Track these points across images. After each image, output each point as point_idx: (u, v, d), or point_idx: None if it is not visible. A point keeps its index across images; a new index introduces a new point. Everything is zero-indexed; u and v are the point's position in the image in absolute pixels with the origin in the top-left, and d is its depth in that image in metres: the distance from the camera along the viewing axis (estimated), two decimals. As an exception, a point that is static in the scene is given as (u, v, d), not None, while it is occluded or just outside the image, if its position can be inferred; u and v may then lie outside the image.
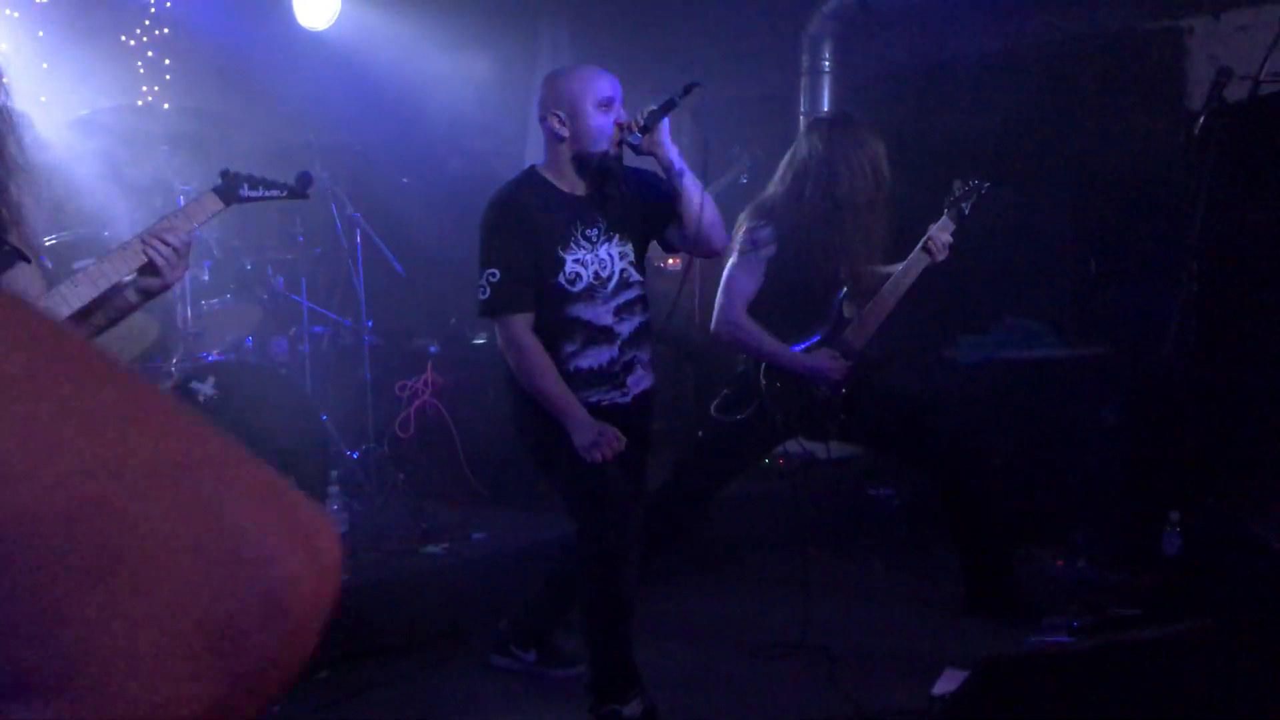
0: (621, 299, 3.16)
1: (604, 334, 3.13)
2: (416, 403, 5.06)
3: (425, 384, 5.11)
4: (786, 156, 3.80)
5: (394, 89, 5.93)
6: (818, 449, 3.90)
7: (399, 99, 5.95)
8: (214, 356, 4.18)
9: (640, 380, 3.25)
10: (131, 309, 2.26)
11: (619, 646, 3.05)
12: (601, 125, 3.02)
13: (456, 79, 6.26)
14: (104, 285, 2.12)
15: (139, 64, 5.32)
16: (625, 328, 3.18)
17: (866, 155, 3.60)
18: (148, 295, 2.23)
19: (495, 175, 6.44)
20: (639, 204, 3.18)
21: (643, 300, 3.24)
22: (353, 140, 5.58)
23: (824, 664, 3.53)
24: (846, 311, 3.80)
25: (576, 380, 3.08)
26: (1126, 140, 5.22)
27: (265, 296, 4.78)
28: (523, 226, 3.04)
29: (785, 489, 5.06)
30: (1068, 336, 5.15)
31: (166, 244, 2.14)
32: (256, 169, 2.59)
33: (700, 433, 4.09)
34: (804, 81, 6.09)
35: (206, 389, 3.83)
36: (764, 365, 3.73)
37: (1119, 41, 5.45)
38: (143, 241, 2.14)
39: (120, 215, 4.24)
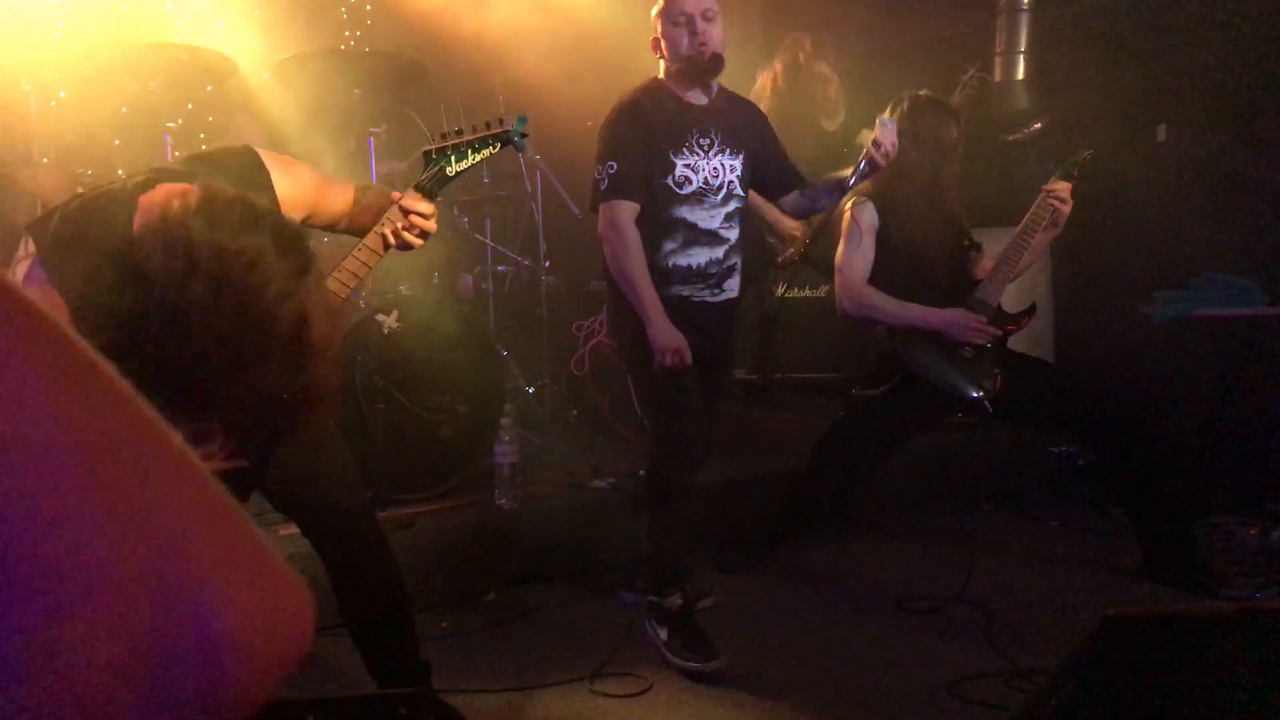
0: (729, 207, 3.33)
1: (709, 236, 3.31)
2: (591, 342, 5.18)
3: (600, 324, 5.22)
4: None
5: (578, 32, 5.99)
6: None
7: (583, 42, 6.01)
8: (400, 291, 4.35)
9: (734, 286, 3.42)
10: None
11: (671, 545, 3.28)
12: (674, 38, 3.24)
13: (640, 22, 6.25)
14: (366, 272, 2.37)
15: (342, 10, 5.55)
16: (733, 235, 3.36)
17: (946, 133, 3.72)
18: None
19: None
20: (758, 149, 3.40)
21: (742, 213, 3.40)
22: (537, 83, 5.68)
23: (981, 619, 3.47)
24: (977, 273, 3.80)
25: (673, 275, 3.28)
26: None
27: (450, 235, 4.96)
28: (640, 125, 3.23)
29: (960, 444, 4.96)
30: (1277, 293, 4.79)
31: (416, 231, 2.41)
32: (445, 112, 2.72)
33: (841, 412, 4.04)
34: (1001, 20, 5.81)
35: (391, 321, 4.02)
36: (899, 336, 3.67)
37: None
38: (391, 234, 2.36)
39: (323, 156, 4.47)
